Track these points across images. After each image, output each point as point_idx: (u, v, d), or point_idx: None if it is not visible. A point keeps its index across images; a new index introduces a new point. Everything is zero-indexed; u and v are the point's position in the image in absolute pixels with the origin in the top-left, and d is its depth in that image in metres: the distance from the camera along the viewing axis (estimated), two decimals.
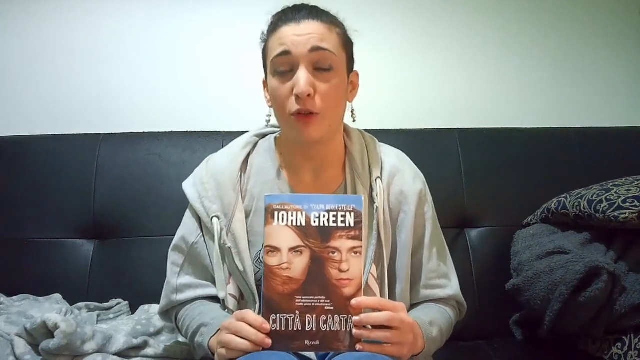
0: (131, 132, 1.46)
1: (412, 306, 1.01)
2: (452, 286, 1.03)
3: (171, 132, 1.47)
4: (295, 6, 0.95)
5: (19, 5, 1.59)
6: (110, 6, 1.61)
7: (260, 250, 0.95)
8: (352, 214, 0.82)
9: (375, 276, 0.96)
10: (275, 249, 0.81)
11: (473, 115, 1.68)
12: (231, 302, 0.97)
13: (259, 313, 0.92)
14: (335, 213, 0.81)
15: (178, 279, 1.01)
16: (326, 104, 0.91)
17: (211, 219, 0.97)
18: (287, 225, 0.81)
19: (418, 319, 0.90)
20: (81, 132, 1.46)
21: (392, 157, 1.04)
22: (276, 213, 0.81)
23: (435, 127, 1.52)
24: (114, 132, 1.46)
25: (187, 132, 1.47)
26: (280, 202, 0.82)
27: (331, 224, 0.81)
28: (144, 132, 1.47)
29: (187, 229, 1.02)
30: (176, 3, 1.63)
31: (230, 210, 0.97)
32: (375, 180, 0.99)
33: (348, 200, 0.83)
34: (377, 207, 0.96)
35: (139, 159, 1.41)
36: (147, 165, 1.40)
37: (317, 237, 0.81)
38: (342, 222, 0.81)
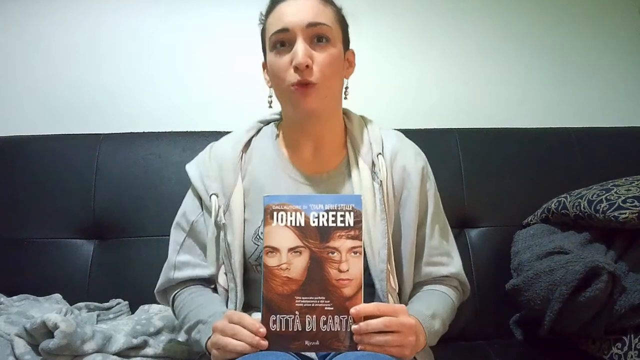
0: (131, 132, 1.46)
1: (414, 286, 1.02)
2: (454, 264, 1.03)
3: (171, 132, 1.47)
4: None
5: (19, 4, 1.59)
6: (110, 6, 1.61)
7: (259, 227, 0.96)
8: (352, 213, 0.81)
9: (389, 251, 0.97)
10: (274, 250, 0.81)
11: (473, 115, 1.68)
12: (222, 279, 0.99)
13: (241, 301, 0.95)
14: (334, 213, 0.81)
15: (177, 257, 1.02)
16: (323, 74, 0.93)
17: (210, 197, 0.99)
18: (286, 225, 0.81)
19: (420, 313, 0.90)
20: (81, 132, 1.46)
21: (393, 138, 1.05)
22: (275, 213, 0.81)
23: (435, 127, 1.52)
24: (114, 132, 1.46)
25: (187, 132, 1.47)
26: (280, 202, 0.82)
27: (330, 224, 0.81)
28: (144, 132, 1.47)
29: (189, 207, 1.05)
30: (176, 3, 1.63)
31: (230, 190, 0.99)
32: (377, 156, 1.00)
33: (347, 199, 0.82)
34: (380, 181, 0.97)
35: (139, 159, 1.41)
36: (147, 165, 1.40)
37: (317, 237, 0.81)
38: (341, 221, 0.81)
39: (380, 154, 1.00)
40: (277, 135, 1.05)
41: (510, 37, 1.73)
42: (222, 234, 0.97)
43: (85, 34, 1.60)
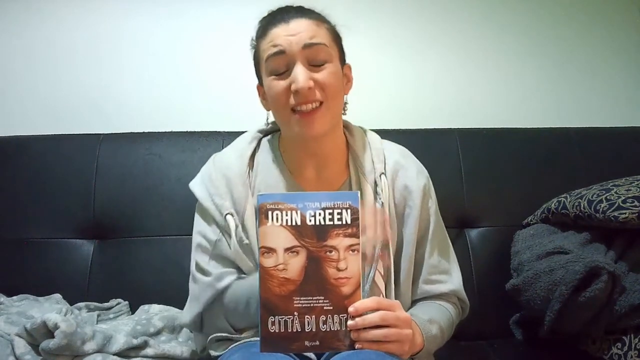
0: (131, 132, 1.46)
1: (412, 302, 1.01)
2: (452, 281, 1.02)
3: (171, 132, 1.47)
4: (281, 8, 0.97)
5: (19, 4, 1.59)
6: (110, 6, 1.61)
7: None
8: (349, 210, 0.80)
9: (382, 273, 0.96)
10: (270, 250, 0.79)
11: (473, 115, 1.68)
12: None
13: None
14: (331, 211, 0.80)
15: (213, 269, 0.96)
16: (327, 93, 0.92)
17: (225, 217, 0.96)
18: (281, 225, 0.79)
19: (416, 317, 0.90)
20: (81, 132, 1.45)
21: (395, 153, 1.04)
22: (270, 213, 0.79)
23: (435, 127, 1.52)
24: (114, 132, 1.46)
25: (187, 132, 1.47)
26: (274, 201, 0.80)
27: (327, 222, 0.79)
28: (144, 132, 1.46)
29: (206, 228, 0.99)
30: (176, 3, 1.63)
31: (242, 206, 0.97)
32: (380, 176, 0.99)
33: (344, 196, 0.81)
34: (382, 202, 0.97)
35: (139, 159, 1.40)
36: (147, 165, 1.40)
37: (314, 236, 0.79)
38: (338, 219, 0.79)
39: (383, 173, 0.99)
40: (279, 152, 1.03)
41: (511, 37, 1.73)
42: (245, 252, 0.95)
43: (85, 34, 1.60)
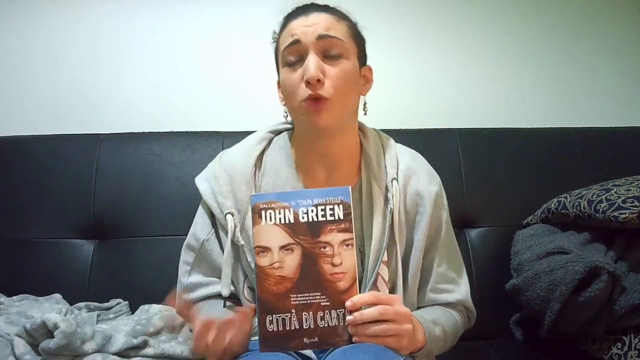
0: (131, 132, 1.46)
1: (418, 309, 1.00)
2: (460, 291, 1.01)
3: (171, 132, 1.47)
4: (305, 5, 0.98)
5: (19, 4, 1.59)
6: (110, 6, 1.61)
7: None
8: (341, 206, 0.81)
9: (386, 278, 0.95)
10: (265, 249, 0.80)
11: (473, 115, 1.68)
12: (248, 295, 0.97)
13: None
14: (323, 207, 0.81)
15: (188, 278, 1.00)
16: (336, 89, 0.91)
17: (225, 216, 0.96)
18: (275, 223, 0.80)
19: (420, 317, 0.89)
20: (81, 132, 1.45)
21: (407, 158, 1.03)
22: (263, 212, 0.80)
23: (435, 127, 1.52)
24: (114, 132, 1.46)
25: (187, 132, 1.47)
26: (267, 200, 0.81)
27: (320, 219, 0.80)
28: (144, 132, 1.47)
29: (199, 226, 1.01)
30: (177, 3, 1.63)
31: (244, 207, 0.96)
32: (392, 182, 0.97)
33: (335, 192, 0.81)
34: (391, 208, 0.95)
35: (139, 159, 1.40)
36: (147, 165, 1.40)
37: (307, 232, 0.80)
38: (330, 215, 0.80)
39: (395, 179, 0.98)
40: (290, 152, 1.02)
41: (511, 37, 1.73)
42: (242, 254, 0.95)
43: (85, 34, 1.60)
